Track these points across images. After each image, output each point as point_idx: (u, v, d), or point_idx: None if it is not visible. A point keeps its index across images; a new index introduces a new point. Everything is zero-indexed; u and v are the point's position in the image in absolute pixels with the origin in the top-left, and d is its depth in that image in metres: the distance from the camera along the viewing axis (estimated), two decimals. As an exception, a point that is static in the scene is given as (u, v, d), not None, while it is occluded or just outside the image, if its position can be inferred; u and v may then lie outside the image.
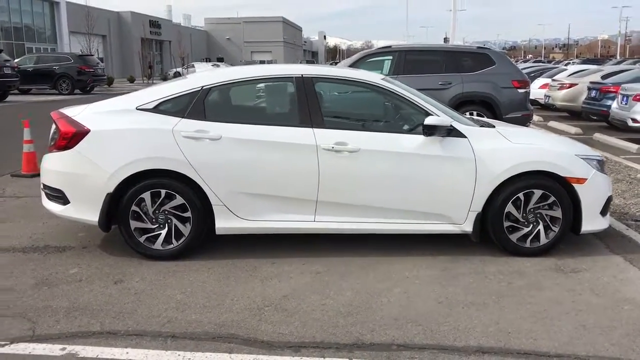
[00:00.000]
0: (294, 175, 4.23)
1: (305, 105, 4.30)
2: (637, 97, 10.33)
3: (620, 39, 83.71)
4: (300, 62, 69.63)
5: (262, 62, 58.69)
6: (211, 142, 4.19)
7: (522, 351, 3.02)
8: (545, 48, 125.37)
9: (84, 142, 4.21)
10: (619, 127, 11.38)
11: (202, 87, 4.34)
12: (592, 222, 4.42)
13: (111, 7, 50.97)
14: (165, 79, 40.51)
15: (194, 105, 4.30)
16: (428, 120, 4.17)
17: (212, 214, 4.28)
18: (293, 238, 4.65)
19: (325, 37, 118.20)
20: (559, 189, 4.32)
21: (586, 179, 4.34)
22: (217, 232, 4.32)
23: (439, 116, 4.29)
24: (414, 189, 4.28)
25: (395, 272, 4.13)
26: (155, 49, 49.27)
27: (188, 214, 4.25)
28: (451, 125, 4.27)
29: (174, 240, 4.30)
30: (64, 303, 3.59)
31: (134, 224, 4.26)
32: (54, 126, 4.45)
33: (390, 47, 10.46)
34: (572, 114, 15.62)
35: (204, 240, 4.43)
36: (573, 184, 4.32)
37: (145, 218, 4.27)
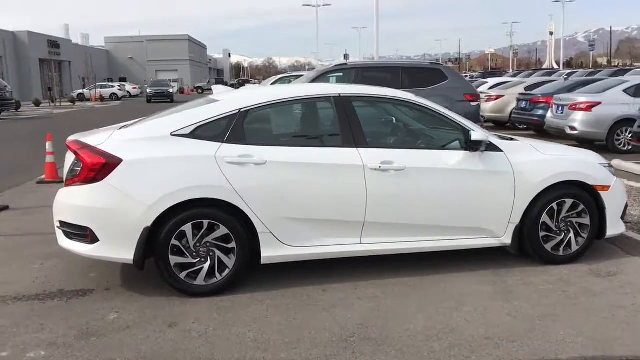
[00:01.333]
0: (341, 197, 4.10)
1: (347, 124, 4.20)
2: (573, 106, 11.16)
3: (509, 52, 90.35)
4: (208, 81, 68.66)
5: (173, 80, 57.11)
6: (256, 167, 3.97)
7: (624, 357, 3.10)
8: (439, 62, 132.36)
9: (116, 173, 3.82)
10: (552, 135, 12.20)
11: (240, 109, 4.11)
12: (614, 226, 4.67)
13: (5, 26, 47.44)
14: (73, 101, 38.24)
15: (233, 129, 4.05)
16: (475, 136, 4.22)
17: (256, 243, 4.04)
18: (329, 261, 4.50)
19: (230, 54, 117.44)
20: (587, 197, 4.53)
21: (610, 186, 4.59)
22: (263, 261, 4.08)
23: (476, 131, 4.36)
24: (458, 205, 4.30)
25: (449, 290, 4.10)
26: (54, 70, 46.28)
27: (232, 245, 3.98)
28: (489, 140, 4.35)
29: (217, 274, 4.00)
30: (129, 354, 3.21)
31: (173, 260, 3.92)
32: (71, 157, 4.01)
33: (345, 64, 10.56)
34: (497, 124, 16.57)
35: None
36: (600, 192, 4.55)
37: (186, 252, 3.94)
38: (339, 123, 4.21)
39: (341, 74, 10.35)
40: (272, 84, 19.35)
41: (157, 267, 3.93)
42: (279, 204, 4.00)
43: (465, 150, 4.32)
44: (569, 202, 4.50)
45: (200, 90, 63.28)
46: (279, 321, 3.61)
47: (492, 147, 4.38)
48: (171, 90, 40.70)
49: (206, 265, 3.98)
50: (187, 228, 3.90)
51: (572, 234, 4.57)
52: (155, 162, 3.87)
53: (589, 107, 10.91)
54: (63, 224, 4.04)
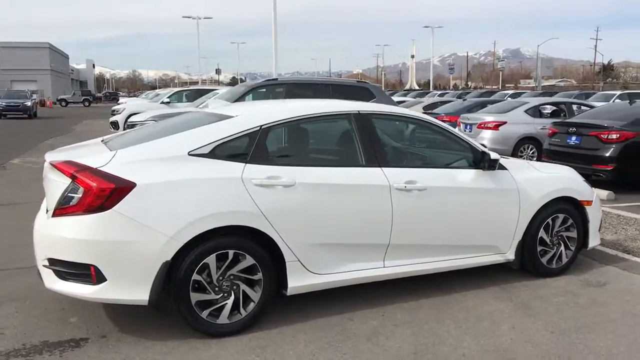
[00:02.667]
0: (369, 219, 3.91)
1: (369, 143, 4.03)
2: (481, 125, 11.94)
3: (375, 73, 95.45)
4: (74, 93, 63.80)
5: (32, 92, 52.19)
6: (285, 190, 3.64)
7: (674, 365, 3.26)
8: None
9: (129, 200, 3.28)
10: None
11: (261, 126, 3.75)
12: (595, 238, 4.99)
13: None
14: None
15: (256, 148, 3.69)
16: (494, 156, 4.27)
17: (282, 273, 3.70)
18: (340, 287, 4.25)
19: (94, 65, 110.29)
20: (575, 212, 4.79)
21: (592, 201, 4.89)
22: (290, 292, 3.74)
23: (482, 150, 4.42)
24: (472, 223, 4.32)
25: (472, 308, 4.08)
26: None
27: (258, 276, 3.61)
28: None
29: (242, 310, 3.59)
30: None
31: (195, 297, 3.45)
32: (55, 180, 3.38)
33: (276, 79, 10.34)
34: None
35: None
36: (585, 207, 4.83)
37: (208, 288, 3.49)
38: (360, 141, 4.02)
39: (271, 90, 10.11)
40: (168, 97, 18.44)
41: (177, 306, 3.42)
42: (308, 229, 3.71)
43: (476, 169, 4.35)
44: (561, 217, 4.73)
45: (64, 103, 58.55)
46: (330, 357, 3.32)
47: (499, 166, 4.46)
48: (29, 104, 31.95)
49: (230, 301, 3.56)
50: (211, 260, 3.46)
51: (562, 247, 4.79)
52: (175, 186, 3.39)
53: (496, 126, 11.74)
54: (55, 263, 3.38)
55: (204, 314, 3.48)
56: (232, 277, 3.55)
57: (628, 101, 10.10)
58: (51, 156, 3.75)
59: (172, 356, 3.32)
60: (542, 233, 4.64)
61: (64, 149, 4.12)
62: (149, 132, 4.24)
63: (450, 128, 4.48)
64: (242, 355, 3.34)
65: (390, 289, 4.30)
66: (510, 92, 33.88)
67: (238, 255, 3.53)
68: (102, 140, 4.39)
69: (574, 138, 9.34)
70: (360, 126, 4.05)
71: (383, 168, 4.00)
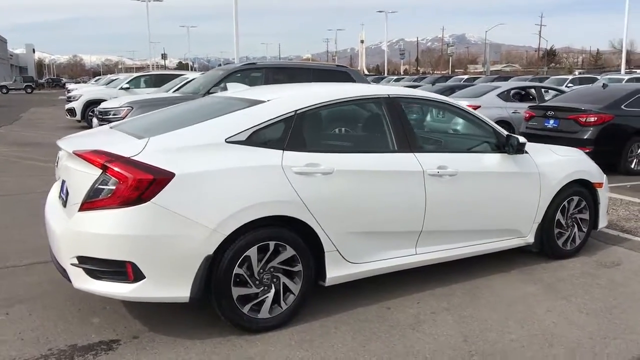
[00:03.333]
0: (403, 206, 3.83)
1: (401, 128, 3.93)
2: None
3: (325, 58, 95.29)
4: (15, 80, 60.73)
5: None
6: (324, 177, 3.50)
7: None
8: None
9: (168, 191, 3.06)
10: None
11: (296, 111, 3.58)
12: (603, 219, 5.09)
13: None
14: None
15: (292, 134, 3.52)
16: (522, 140, 4.25)
17: (321, 263, 3.57)
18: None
19: (34, 50, 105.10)
20: (588, 194, 4.86)
21: (603, 183, 4.97)
22: (328, 283, 3.61)
23: (508, 133, 4.40)
24: (498, 208, 4.30)
25: (505, 293, 4.08)
26: None
27: (298, 268, 3.46)
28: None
29: (282, 303, 3.44)
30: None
31: (236, 292, 3.27)
32: (90, 172, 3.12)
33: (254, 64, 10.07)
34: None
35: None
36: (597, 189, 4.91)
37: (249, 281, 3.32)
38: (392, 126, 3.91)
39: (251, 75, 9.84)
40: (127, 83, 17.75)
41: (216, 302, 3.24)
42: (346, 218, 3.59)
43: (501, 152, 4.33)
44: (575, 199, 4.78)
45: (4, 90, 55.61)
46: (381, 348, 3.23)
47: (520, 149, 4.44)
48: None
49: (271, 294, 3.41)
50: (252, 252, 3.29)
51: (576, 229, 4.85)
52: (215, 176, 3.19)
53: (471, 110, 11.87)
54: (85, 261, 3.12)
55: (245, 309, 3.32)
56: (272, 269, 3.40)
57: (601, 85, 10.40)
58: (69, 144, 3.46)
59: (218, 356, 3.14)
60: (559, 215, 4.69)
61: (73, 137, 3.83)
62: (168, 117, 4.00)
63: (475, 112, 4.43)
64: (291, 350, 3.20)
65: (415, 276, 4.24)
66: (466, 76, 34.57)
67: (278, 246, 3.38)
68: (111, 127, 4.11)
69: (552, 121, 9.55)
70: (392, 110, 3.94)
71: (415, 153, 3.91)
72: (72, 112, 17.14)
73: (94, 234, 3.07)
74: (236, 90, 4.31)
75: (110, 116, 8.73)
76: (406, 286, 4.12)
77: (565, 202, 4.71)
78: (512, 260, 4.70)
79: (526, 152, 4.48)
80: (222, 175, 3.20)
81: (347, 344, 3.27)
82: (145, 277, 3.07)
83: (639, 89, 9.41)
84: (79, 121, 17.21)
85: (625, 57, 29.10)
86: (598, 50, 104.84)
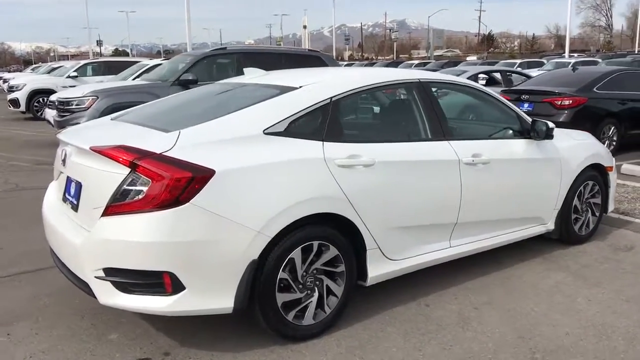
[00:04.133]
0: (441, 197, 3.63)
1: (434, 114, 3.71)
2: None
3: (268, 43, 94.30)
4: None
5: None
6: (365, 170, 3.24)
7: None
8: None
9: (208, 190, 2.72)
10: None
11: (332, 98, 3.29)
12: (612, 203, 5.09)
13: None
14: None
15: (329, 123, 3.23)
16: (551, 125, 4.12)
17: (361, 262, 3.32)
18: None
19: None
20: (600, 178, 4.82)
21: (613, 167, 4.95)
22: (369, 283, 3.37)
23: (528, 120, 4.27)
24: (525, 195, 4.18)
25: (537, 282, 3.97)
26: None
27: (341, 268, 3.20)
28: None
29: (326, 307, 3.18)
30: None
31: (281, 298, 2.98)
32: (115, 172, 2.73)
33: (225, 48, 9.61)
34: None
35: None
36: (608, 172, 4.88)
37: (293, 286, 3.03)
38: (424, 112, 3.69)
39: (223, 60, 9.39)
40: (75, 70, 16.77)
41: (259, 310, 2.94)
42: (388, 213, 3.35)
43: (527, 138, 4.20)
44: (590, 184, 4.74)
45: None
46: (438, 351, 3.03)
47: (543, 135, 4.33)
48: None
49: (314, 299, 3.14)
50: (297, 254, 3.00)
51: (589, 214, 4.82)
52: (257, 171, 2.87)
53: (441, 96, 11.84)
54: (114, 273, 2.74)
55: (290, 316, 3.03)
56: (315, 271, 3.12)
57: (571, 68, 10.57)
58: (79, 139, 3.05)
59: (264, 368, 2.85)
60: (575, 201, 4.62)
61: (78, 130, 3.40)
62: (184, 107, 3.62)
63: (500, 97, 4.27)
64: (344, 358, 2.95)
65: (442, 269, 4.05)
66: (416, 62, 34.85)
67: (322, 246, 3.10)
68: (112, 119, 3.69)
69: (526, 105, 9.61)
70: (424, 96, 3.72)
71: (450, 141, 3.71)
72: (15, 103, 16.01)
73: (125, 242, 2.69)
74: (255, 75, 3.95)
75: (73, 106, 8.08)
76: (436, 280, 3.94)
77: (581, 187, 4.65)
78: (529, 247, 4.61)
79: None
80: (264, 171, 2.88)
81: (401, 347, 3.05)
82: (185, 288, 2.72)
83: (610, 72, 9.61)
84: (24, 112, 16.12)
85: (568, 41, 30.06)
86: (534, 35, 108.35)
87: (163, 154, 2.73)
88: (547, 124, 4.14)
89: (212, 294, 2.78)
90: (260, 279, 2.88)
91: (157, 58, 23.85)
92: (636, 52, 46.45)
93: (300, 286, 3.06)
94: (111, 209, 2.74)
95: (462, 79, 4.20)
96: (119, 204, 2.72)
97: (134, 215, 2.69)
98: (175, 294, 2.72)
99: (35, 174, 7.86)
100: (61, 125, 8.22)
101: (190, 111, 3.45)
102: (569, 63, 24.56)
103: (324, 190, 3.04)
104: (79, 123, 7.98)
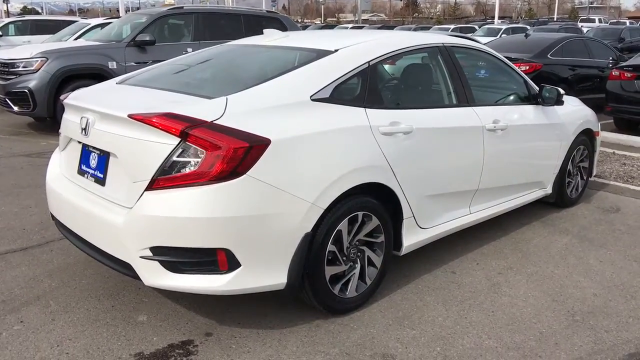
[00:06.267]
0: (468, 164, 3.62)
1: (459, 80, 3.65)
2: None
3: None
4: None
5: None
6: (405, 137, 3.14)
7: None
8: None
9: (265, 161, 2.52)
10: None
11: (369, 62, 3.13)
12: (595, 167, 5.29)
13: None
14: None
15: (369, 89, 3.08)
16: (562, 91, 4.17)
17: (398, 231, 3.25)
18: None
19: None
20: (589, 143, 5.00)
21: (599, 132, 5.14)
22: (403, 252, 3.32)
23: (534, 86, 4.32)
24: (534, 160, 4.27)
25: (547, 246, 4.08)
26: None
27: (380, 239, 3.12)
28: None
29: (367, 279, 3.10)
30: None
31: (329, 271, 2.87)
32: (160, 141, 2.48)
33: (182, 7, 9.04)
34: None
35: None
36: (596, 137, 5.06)
37: (339, 258, 2.92)
38: (450, 78, 3.62)
39: (179, 21, 8.84)
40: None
41: (309, 285, 2.81)
42: (422, 181, 3.28)
43: (535, 104, 4.24)
44: (581, 148, 4.90)
45: None
46: (483, 318, 3.04)
47: (543, 100, 4.39)
48: None
49: (357, 270, 3.05)
50: (343, 226, 2.88)
51: (579, 177, 5.00)
52: (309, 140, 2.69)
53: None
54: (163, 252, 2.50)
55: (336, 289, 2.93)
56: (357, 242, 3.02)
57: (524, 35, 10.82)
58: (105, 105, 2.74)
59: (323, 346, 2.74)
60: (569, 165, 4.77)
61: (96, 94, 3.07)
62: (210, 69, 3.36)
63: (510, 63, 4.27)
64: (395, 330, 2.90)
65: (453, 237, 4.06)
66: (350, 25, 34.62)
67: (365, 217, 3.00)
68: (118, 82, 3.36)
69: (483, 71, 9.77)
70: (448, 61, 3.65)
71: (474, 107, 3.68)
72: None
73: (176, 218, 2.46)
74: (276, 37, 3.69)
75: (20, 69, 7.33)
76: (452, 247, 3.96)
77: (574, 152, 4.79)
78: (526, 212, 4.73)
79: (551, 103, 4.44)
80: (315, 140, 2.71)
81: (447, 316, 3.04)
82: (240, 266, 2.54)
83: (561, 39, 9.94)
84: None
85: (498, 7, 30.87)
86: (456, 1, 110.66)
87: (214, 122, 2.50)
88: (557, 91, 4.20)
89: (265, 271, 2.62)
90: (311, 252, 2.75)
91: (73, 16, 22.37)
92: (555, 19, 48.67)
93: (345, 258, 2.95)
94: (158, 183, 2.48)
95: (480, 45, 4.16)
96: (168, 177, 2.47)
97: (186, 189, 2.46)
98: (231, 271, 2.54)
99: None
100: (6, 89, 7.48)
101: (223, 75, 3.19)
102: (500, 29, 25.34)
103: (372, 160, 2.92)
104: (28, 86, 7.34)
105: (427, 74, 3.65)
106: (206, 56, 3.60)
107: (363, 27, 32.61)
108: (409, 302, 3.19)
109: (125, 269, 2.60)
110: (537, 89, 4.30)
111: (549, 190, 4.61)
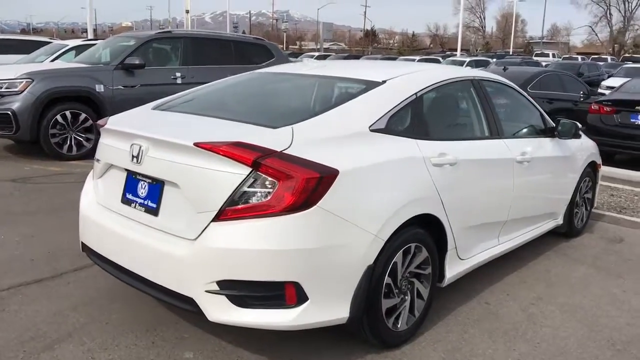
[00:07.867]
0: (500, 195, 3.67)
1: (490, 112, 3.73)
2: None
3: (147, 26, 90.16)
4: None
5: None
6: (451, 169, 3.16)
7: None
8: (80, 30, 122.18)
9: (332, 192, 2.48)
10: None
11: (416, 93, 3.16)
12: (596, 198, 5.47)
13: None
14: None
15: (418, 120, 3.11)
16: (579, 125, 4.30)
17: (441, 263, 3.25)
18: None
19: None
20: (592, 175, 5.17)
21: (601, 165, 5.33)
22: (445, 283, 3.31)
23: (558, 118, 4.46)
24: (552, 191, 4.37)
25: (568, 275, 4.16)
26: None
27: (428, 270, 3.11)
28: None
29: (415, 311, 3.07)
30: None
31: (385, 304, 2.83)
32: (230, 171, 2.41)
33: (170, 32, 8.94)
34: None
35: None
36: (598, 170, 5.24)
37: (393, 291, 2.89)
38: (482, 111, 3.69)
39: (167, 45, 8.74)
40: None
41: (368, 319, 2.76)
42: (465, 212, 3.31)
43: (551, 137, 4.37)
44: (587, 180, 5.05)
45: None
46: (529, 349, 3.05)
47: (555, 133, 4.52)
48: None
49: (407, 303, 3.01)
50: (399, 258, 2.86)
51: (583, 208, 5.14)
52: (371, 171, 2.67)
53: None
54: (230, 285, 2.41)
55: (390, 322, 2.89)
56: (408, 275, 3.00)
57: (502, 68, 11.19)
58: (156, 132, 2.65)
59: (377, 381, 2.68)
60: (577, 196, 4.90)
61: (139, 122, 2.96)
62: (254, 96, 3.30)
63: (528, 96, 4.39)
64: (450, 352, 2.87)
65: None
66: (316, 54, 35.11)
67: (416, 248, 2.98)
68: (154, 108, 3.27)
69: (506, 104, 10.02)
70: (480, 94, 3.72)
71: (504, 140, 3.75)
72: None
73: (247, 251, 2.38)
74: (314, 66, 3.68)
75: (2, 89, 7.04)
76: (478, 277, 3.96)
77: (582, 183, 4.94)
78: (538, 241, 4.81)
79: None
80: (376, 170, 2.70)
81: (496, 349, 3.03)
82: (308, 299, 2.47)
83: (538, 73, 10.35)
84: None
85: (460, 40, 31.87)
86: (414, 32, 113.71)
87: (284, 152, 2.45)
88: (575, 124, 4.33)
89: (330, 304, 2.56)
90: (370, 285, 2.70)
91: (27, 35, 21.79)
92: (511, 53, 50.71)
93: (397, 291, 2.92)
94: (226, 214, 2.40)
95: (504, 79, 4.27)
96: (237, 207, 2.39)
97: (256, 220, 2.39)
98: (298, 306, 2.46)
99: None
100: (-12, 110, 7.15)
101: (275, 103, 3.14)
102: (464, 62, 26.17)
103: (426, 190, 2.93)
104: (11, 108, 7.03)
105: (464, 106, 3.72)
106: (245, 83, 3.55)
107: (328, 55, 33.06)
108: (455, 335, 3.17)
109: (186, 303, 2.49)
110: (552, 122, 4.43)
111: (560, 220, 4.72)
